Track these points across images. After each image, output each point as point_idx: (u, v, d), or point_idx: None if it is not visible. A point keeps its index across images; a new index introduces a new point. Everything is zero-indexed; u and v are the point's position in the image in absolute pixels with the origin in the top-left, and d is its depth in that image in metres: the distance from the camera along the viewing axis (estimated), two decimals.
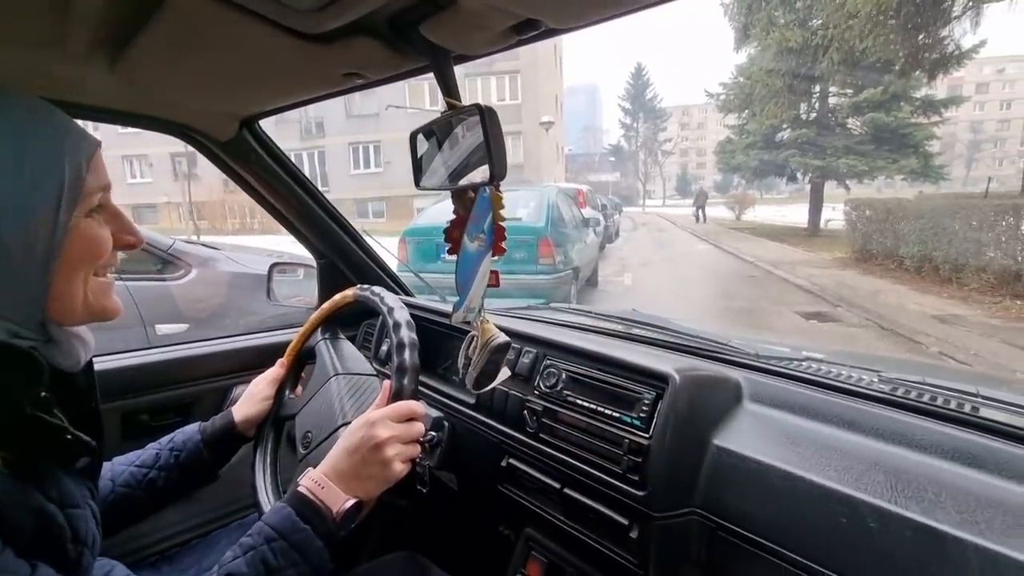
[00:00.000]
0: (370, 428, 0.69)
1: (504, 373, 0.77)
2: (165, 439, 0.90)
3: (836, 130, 16.46)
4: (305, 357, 1.07)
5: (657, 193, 69.94)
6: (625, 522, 0.76)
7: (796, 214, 21.77)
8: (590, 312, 1.32)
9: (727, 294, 7.84)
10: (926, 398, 0.77)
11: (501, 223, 0.66)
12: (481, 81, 21.88)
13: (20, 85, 0.49)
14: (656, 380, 0.79)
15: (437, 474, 1.10)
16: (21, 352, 0.45)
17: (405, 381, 0.79)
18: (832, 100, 16.62)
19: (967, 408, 0.73)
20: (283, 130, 23.06)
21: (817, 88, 15.99)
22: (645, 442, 0.75)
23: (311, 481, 0.67)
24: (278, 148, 1.20)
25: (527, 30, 0.57)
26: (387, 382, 0.80)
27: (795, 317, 6.33)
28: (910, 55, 10.30)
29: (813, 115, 16.95)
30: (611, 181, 56.00)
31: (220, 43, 0.68)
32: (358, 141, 23.51)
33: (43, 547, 0.46)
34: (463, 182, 0.63)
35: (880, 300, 7.05)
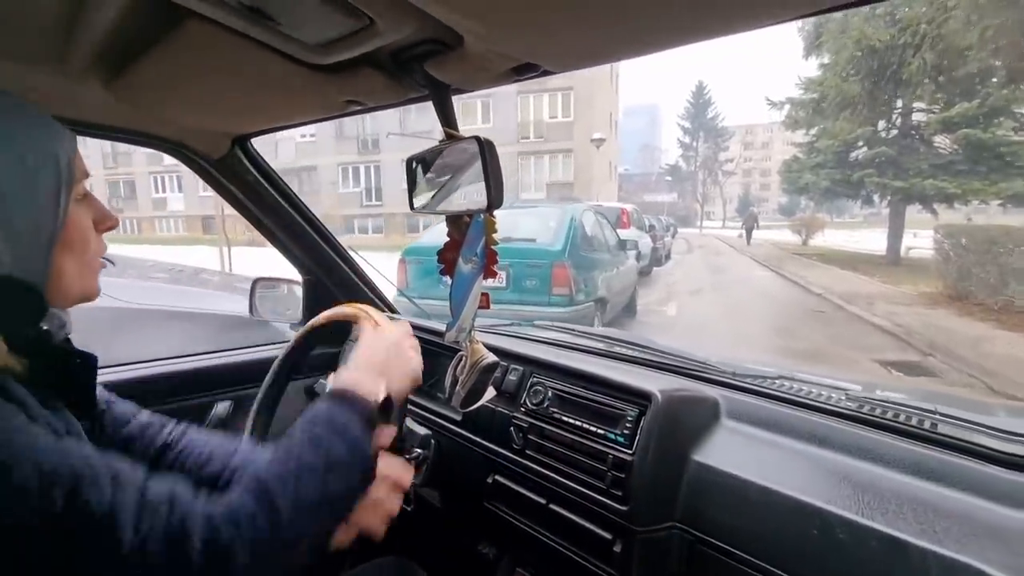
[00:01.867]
0: (396, 338, 0.70)
1: (490, 392, 0.79)
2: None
3: (920, 149, 14.39)
4: (292, 372, 1.07)
5: (717, 214, 67.49)
6: (608, 537, 0.78)
7: (871, 240, 20.15)
8: (574, 330, 1.35)
9: (788, 332, 6.60)
10: (889, 415, 0.82)
11: (493, 247, 0.69)
12: (533, 99, 21.71)
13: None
14: (639, 398, 0.83)
15: (420, 492, 1.11)
16: (24, 284, 0.48)
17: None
18: (917, 116, 14.79)
19: (927, 424, 0.78)
20: (342, 144, 23.30)
21: (899, 103, 14.48)
22: (628, 458, 0.78)
23: (343, 376, 0.63)
24: (268, 166, 1.22)
25: (525, 71, 0.61)
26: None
27: (874, 366, 5.06)
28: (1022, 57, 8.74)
29: (894, 132, 15.13)
30: (667, 201, 54.46)
31: (223, 68, 0.70)
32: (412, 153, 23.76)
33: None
34: (459, 208, 0.66)
35: (984, 349, 5.41)
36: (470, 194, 0.63)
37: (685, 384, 0.95)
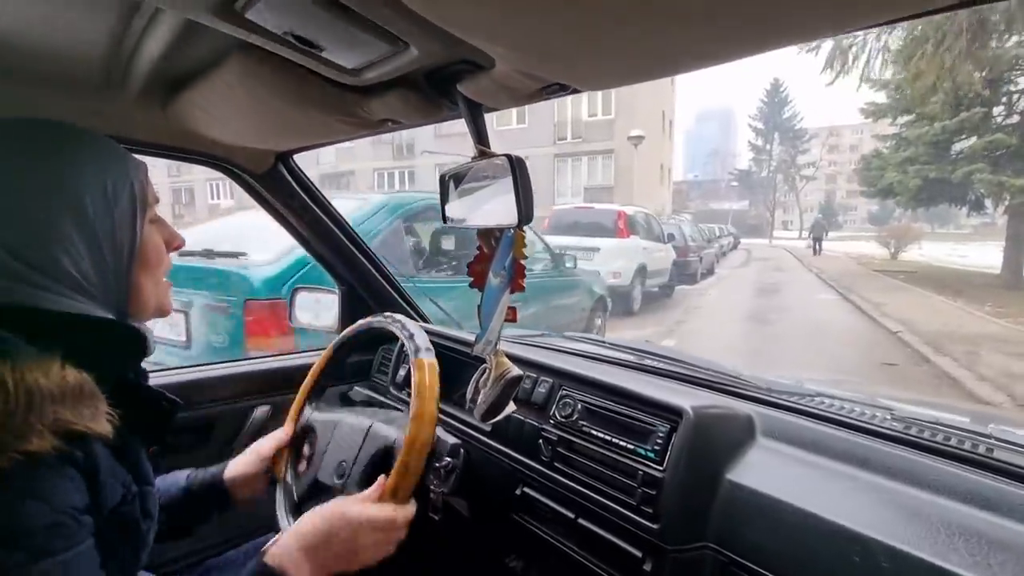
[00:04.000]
0: (353, 531, 0.70)
1: (511, 407, 0.80)
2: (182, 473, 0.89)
3: None
4: (325, 383, 1.11)
5: (795, 224, 58.54)
6: (639, 554, 0.77)
7: (982, 255, 16.53)
8: (604, 342, 1.34)
9: None
10: (939, 438, 0.78)
11: (522, 261, 0.70)
12: (571, 95, 20.95)
13: (74, 123, 0.56)
14: (670, 413, 0.81)
15: (450, 501, 1.12)
16: (130, 328, 0.53)
17: (412, 459, 0.80)
18: None
19: (981, 449, 0.74)
20: (378, 149, 23.19)
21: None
22: (659, 475, 0.77)
23: (280, 551, 0.64)
24: (309, 180, 1.27)
25: (555, 90, 0.62)
26: (382, 478, 0.79)
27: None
28: None
29: (1015, 118, 11.31)
30: (734, 209, 50.01)
31: (269, 91, 0.74)
32: (443, 162, 23.80)
33: (122, 518, 0.51)
34: (490, 223, 0.68)
35: None
36: (501, 209, 0.64)
37: (718, 400, 0.93)
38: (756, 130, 51.31)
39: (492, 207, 0.66)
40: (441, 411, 1.14)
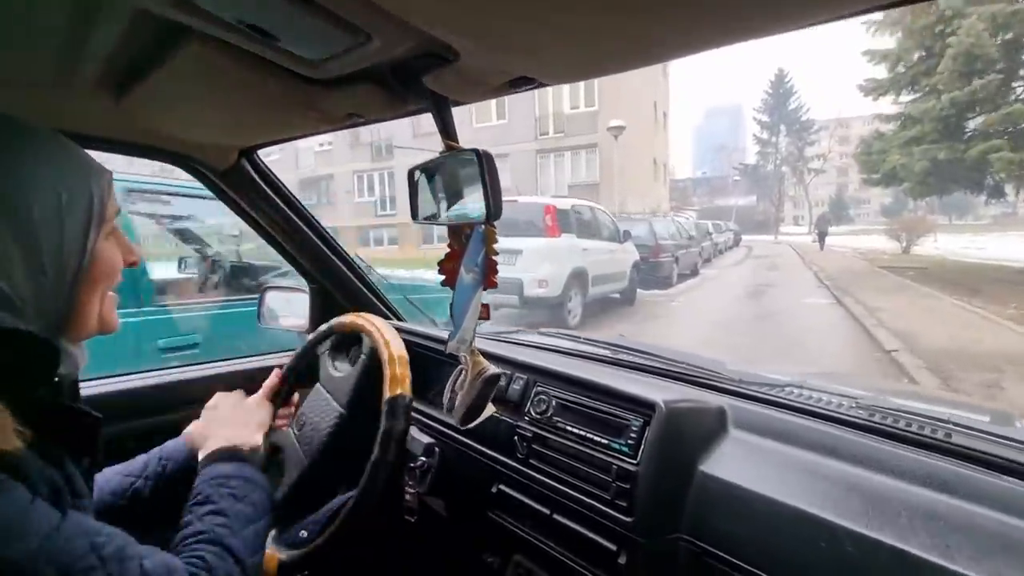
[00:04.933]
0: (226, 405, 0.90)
1: (490, 408, 0.79)
2: (155, 449, 0.89)
3: None
4: (299, 378, 1.08)
5: (805, 219, 56.21)
6: (613, 548, 0.78)
7: (1003, 246, 14.94)
8: (578, 337, 1.34)
9: None
10: (901, 424, 0.80)
11: (494, 257, 0.69)
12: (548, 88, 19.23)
13: (27, 118, 0.52)
14: (643, 407, 0.82)
15: (426, 500, 1.10)
16: (39, 338, 0.47)
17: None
18: None
19: (940, 434, 0.77)
20: (357, 152, 21.86)
21: None
22: (632, 468, 0.77)
23: (215, 443, 0.78)
24: (274, 176, 1.23)
25: (521, 84, 0.61)
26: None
27: None
28: None
29: None
30: (739, 205, 47.92)
31: (228, 83, 0.72)
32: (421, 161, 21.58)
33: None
34: (460, 219, 0.66)
35: None
36: (470, 205, 0.63)
37: (691, 393, 0.94)
38: (761, 123, 49.09)
39: (461, 203, 0.65)
40: (416, 411, 1.12)
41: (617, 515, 0.77)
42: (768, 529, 0.68)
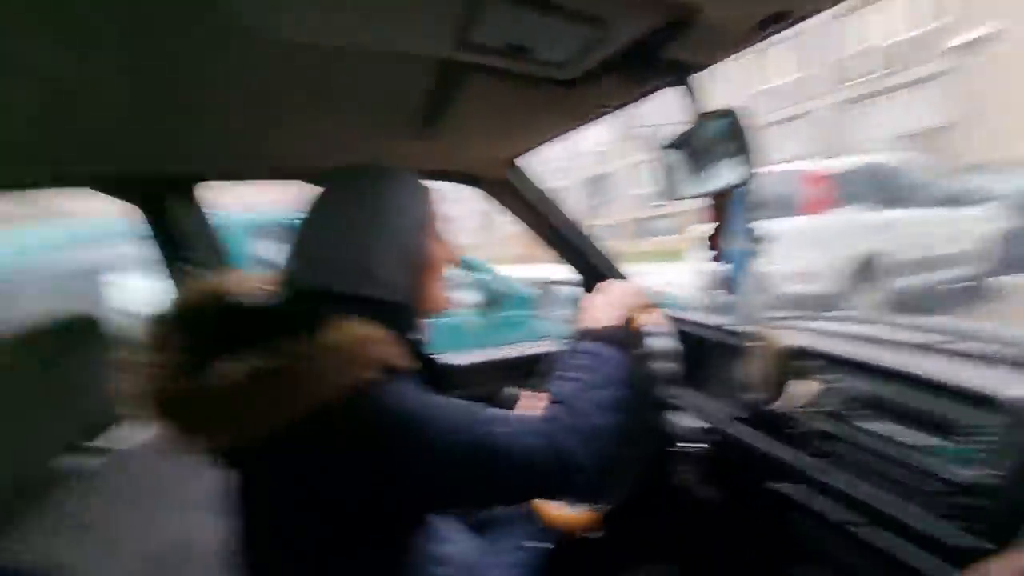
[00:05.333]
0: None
1: (809, 387, 0.71)
2: None
3: None
4: None
5: None
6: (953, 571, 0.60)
7: None
8: (893, 322, 1.08)
9: None
10: None
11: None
12: (872, 11, 13.37)
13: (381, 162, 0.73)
14: (992, 405, 0.62)
15: (696, 490, 1.06)
16: (409, 308, 0.71)
17: None
18: None
19: None
20: (628, 146, 20.50)
21: None
22: (987, 480, 0.59)
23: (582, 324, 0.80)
24: (536, 182, 1.39)
25: (772, 24, 0.54)
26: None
27: None
28: None
29: None
30: None
31: (498, 103, 0.84)
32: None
33: None
34: (718, 186, 0.63)
35: None
36: (726, 170, 0.59)
37: None
38: None
39: (716, 169, 0.61)
40: (689, 399, 1.09)
41: (959, 533, 0.60)
42: None
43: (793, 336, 0.94)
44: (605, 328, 0.77)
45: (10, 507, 0.67)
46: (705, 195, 0.67)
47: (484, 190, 1.38)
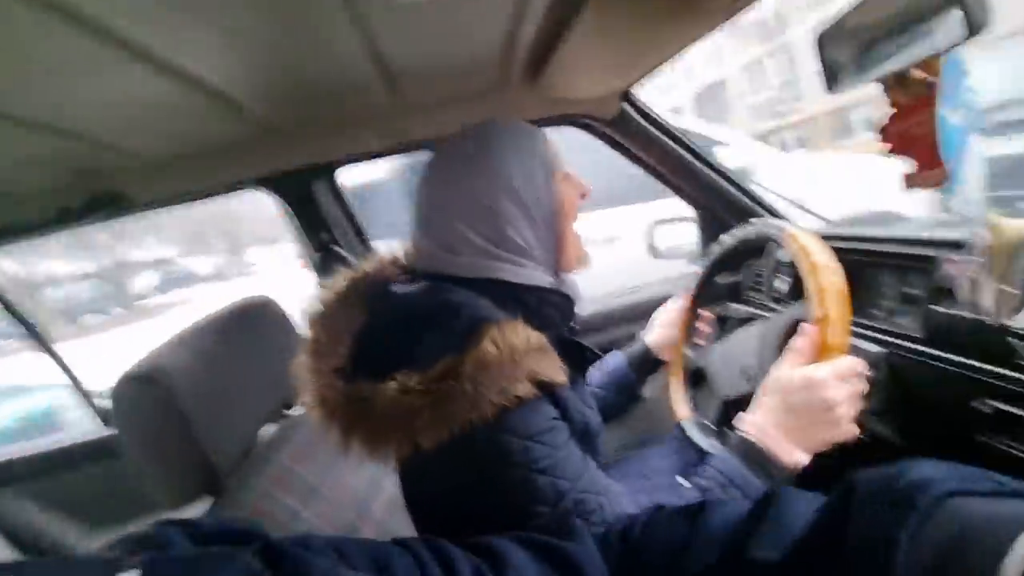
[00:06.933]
0: (817, 389, 0.63)
1: None
2: (596, 365, 1.07)
3: None
4: (705, 300, 1.11)
5: None
6: None
7: None
8: None
9: None
10: None
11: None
12: None
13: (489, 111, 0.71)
14: None
15: (872, 426, 0.96)
16: (563, 295, 0.67)
17: (831, 308, 0.67)
18: None
19: None
20: (740, 42, 17.27)
21: None
22: None
23: (756, 429, 0.65)
24: (655, 113, 1.29)
25: None
26: (810, 326, 0.68)
27: None
28: None
29: None
30: None
31: (608, 27, 0.79)
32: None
33: (583, 433, 0.65)
34: (921, 53, 0.52)
35: None
36: (926, 31, 0.49)
37: None
38: None
39: (917, 34, 0.51)
40: (856, 324, 0.97)
41: None
42: None
43: None
44: (785, 466, 0.62)
45: (239, 469, 0.76)
46: (891, 72, 0.57)
47: (595, 131, 1.33)
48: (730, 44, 17.94)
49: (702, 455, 0.74)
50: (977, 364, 0.76)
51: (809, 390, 0.63)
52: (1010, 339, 0.71)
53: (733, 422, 0.70)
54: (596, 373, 1.07)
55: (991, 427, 0.75)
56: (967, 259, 0.61)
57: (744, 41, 17.19)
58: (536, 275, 0.66)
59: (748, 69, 17.80)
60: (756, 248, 1.04)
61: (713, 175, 1.37)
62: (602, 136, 1.33)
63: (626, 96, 1.24)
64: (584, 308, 1.41)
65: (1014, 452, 0.74)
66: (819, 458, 0.68)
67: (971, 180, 0.51)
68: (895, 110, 0.60)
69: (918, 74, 0.55)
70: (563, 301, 0.68)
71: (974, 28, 0.44)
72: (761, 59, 17.02)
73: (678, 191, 1.44)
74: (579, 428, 0.63)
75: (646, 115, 1.28)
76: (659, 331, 1.09)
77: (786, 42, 15.66)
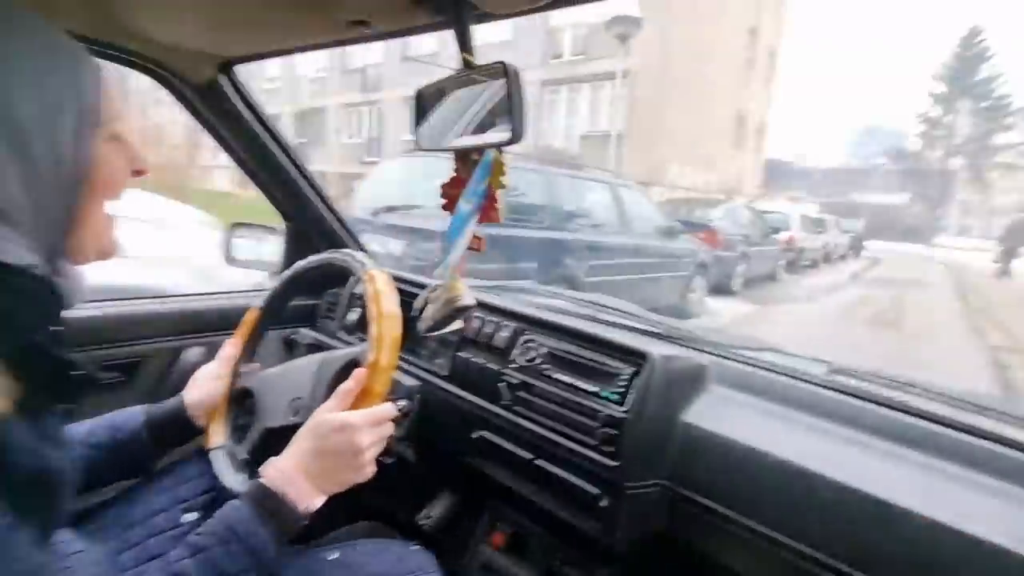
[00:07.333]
0: (350, 433, 0.65)
1: (456, 324, 0.77)
2: (104, 416, 0.81)
3: None
4: (267, 325, 1.02)
5: (976, 230, 35.89)
6: (596, 492, 0.79)
7: None
8: (562, 294, 1.34)
9: None
10: (870, 387, 0.84)
11: (499, 190, 0.67)
12: None
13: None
14: (635, 357, 0.83)
15: (399, 449, 1.09)
16: (39, 278, 0.43)
17: (384, 356, 0.72)
18: None
19: (907, 398, 0.81)
20: (345, 80, 17.61)
21: None
22: (620, 415, 0.78)
23: (278, 473, 0.63)
24: (254, 98, 1.14)
25: None
26: (361, 371, 0.71)
27: None
28: None
29: None
30: (881, 203, 33.98)
31: None
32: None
33: (36, 490, 0.44)
34: (475, 144, 0.63)
35: None
36: (487, 129, 0.60)
37: (675, 349, 0.96)
38: (935, 96, 35.59)
39: (478, 126, 0.61)
40: (402, 357, 1.09)
41: (603, 460, 0.78)
42: (746, 476, 0.71)
43: (491, 299, 1.07)
44: (300, 514, 0.61)
45: None
46: (458, 148, 0.67)
47: (173, 90, 1.06)
48: (336, 80, 18.74)
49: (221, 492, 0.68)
50: (479, 401, 0.97)
51: (342, 433, 0.65)
52: (499, 384, 0.94)
53: (260, 469, 0.65)
54: (100, 427, 0.79)
55: (480, 452, 0.96)
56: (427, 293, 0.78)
57: (348, 82, 18.32)
58: (9, 247, 0.42)
59: (347, 110, 18.92)
60: (340, 276, 1.03)
61: (309, 190, 1.31)
62: (184, 101, 1.08)
63: (226, 69, 1.05)
64: (84, 309, 1.05)
65: (486, 473, 0.96)
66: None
67: (456, 252, 0.67)
68: (454, 177, 0.69)
69: (475, 155, 0.66)
70: (44, 292, 0.45)
71: (514, 138, 0.55)
72: (360, 106, 18.52)
73: (267, 194, 1.31)
74: (25, 477, 0.43)
75: (245, 99, 1.12)
76: (203, 387, 0.87)
77: (380, 99, 17.33)
